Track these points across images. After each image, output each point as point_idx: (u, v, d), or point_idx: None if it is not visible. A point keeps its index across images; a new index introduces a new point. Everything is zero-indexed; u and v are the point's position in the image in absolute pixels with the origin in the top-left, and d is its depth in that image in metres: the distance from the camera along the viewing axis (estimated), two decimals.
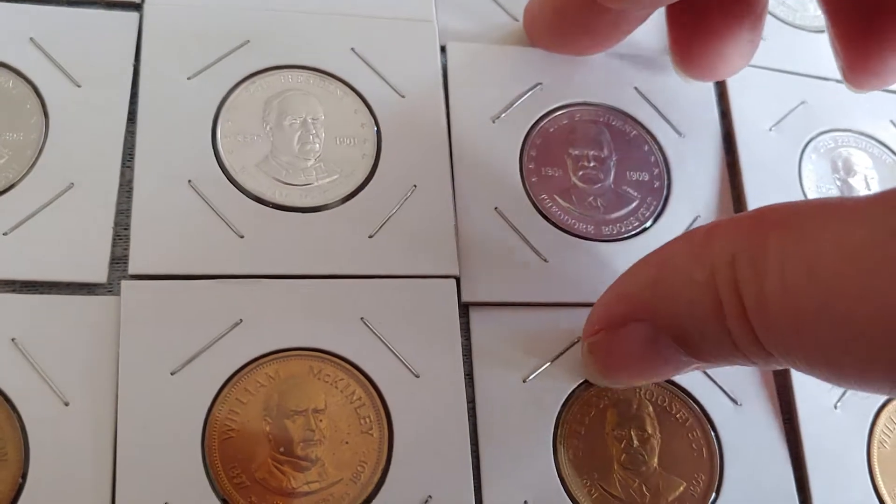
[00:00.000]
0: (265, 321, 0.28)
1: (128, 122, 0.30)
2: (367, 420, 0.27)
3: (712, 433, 0.30)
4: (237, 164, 0.30)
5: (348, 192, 0.30)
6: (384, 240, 0.29)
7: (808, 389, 0.31)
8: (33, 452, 0.25)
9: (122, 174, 0.29)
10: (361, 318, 0.28)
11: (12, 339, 0.26)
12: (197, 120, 0.30)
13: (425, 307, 0.28)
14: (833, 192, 0.35)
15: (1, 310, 0.27)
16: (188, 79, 0.31)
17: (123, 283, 0.27)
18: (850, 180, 0.35)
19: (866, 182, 0.35)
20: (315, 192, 0.30)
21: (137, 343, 0.27)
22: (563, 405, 0.29)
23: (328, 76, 0.32)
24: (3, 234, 0.27)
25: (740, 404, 0.30)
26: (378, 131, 0.31)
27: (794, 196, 0.34)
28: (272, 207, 0.29)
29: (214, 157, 0.30)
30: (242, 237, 0.28)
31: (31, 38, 0.30)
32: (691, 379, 0.30)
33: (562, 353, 0.29)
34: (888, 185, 0.34)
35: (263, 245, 0.28)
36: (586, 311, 0.27)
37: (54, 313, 0.27)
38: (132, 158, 0.29)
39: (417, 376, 0.27)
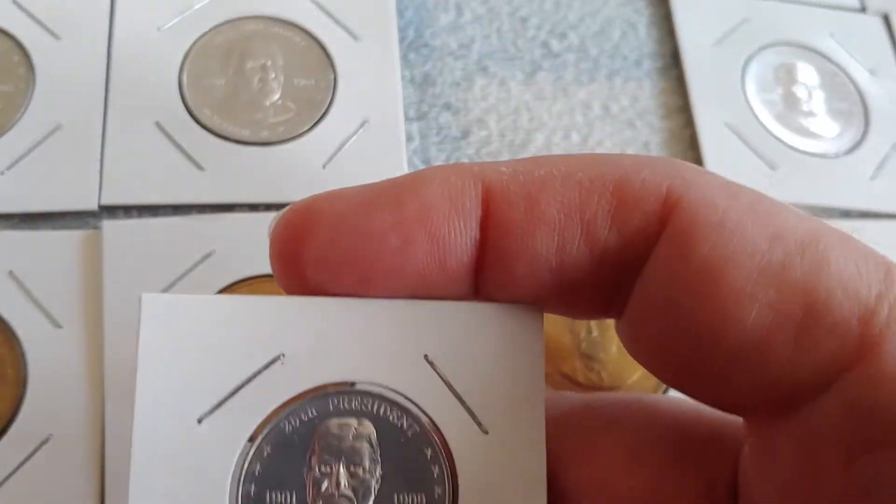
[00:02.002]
0: (235, 252, 0.30)
1: (107, 68, 0.32)
2: None
3: None
4: (201, 105, 0.32)
5: (304, 129, 0.32)
6: (336, 169, 0.32)
7: None
8: (31, 371, 0.29)
9: (105, 113, 0.32)
10: None
11: (10, 271, 0.30)
12: (166, 66, 0.32)
13: None
14: (776, 100, 0.36)
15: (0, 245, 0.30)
16: (158, 29, 0.33)
17: (105, 221, 0.30)
18: (793, 89, 0.37)
19: (808, 92, 0.37)
20: (272, 128, 0.32)
21: (120, 274, 0.30)
22: None
23: (287, 23, 0.34)
24: (0, 174, 0.31)
25: None
26: (335, 76, 0.33)
27: (738, 104, 0.35)
28: (233, 143, 0.32)
29: (181, 100, 0.32)
30: (203, 170, 0.31)
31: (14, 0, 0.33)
32: None
33: None
34: (831, 93, 0.35)
35: (223, 176, 0.31)
36: None
37: (47, 247, 0.30)
38: None
39: None
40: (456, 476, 0.18)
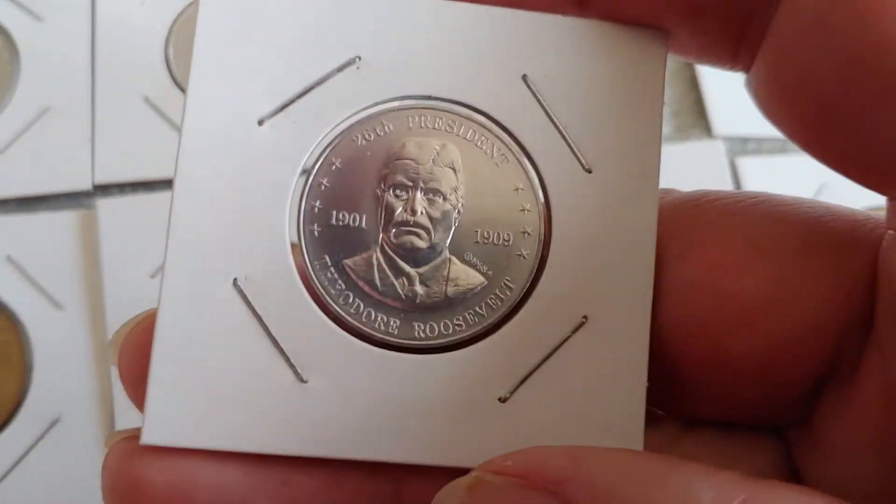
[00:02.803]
0: None
1: (92, 47, 0.32)
2: None
3: None
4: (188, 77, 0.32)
5: None
6: None
7: None
8: (36, 353, 0.29)
9: (93, 92, 0.32)
10: None
11: (8, 256, 0.29)
12: (151, 41, 0.32)
13: None
14: None
15: None
16: (141, 3, 0.33)
17: (99, 200, 0.30)
18: None
19: None
20: None
21: (118, 252, 0.30)
22: None
23: None
24: None
25: None
26: None
27: None
28: None
29: (168, 74, 0.32)
30: None
31: None
32: None
33: None
34: None
35: None
36: None
37: (44, 229, 0.30)
38: None
39: None
40: (550, 218, 0.15)
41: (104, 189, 0.31)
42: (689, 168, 0.34)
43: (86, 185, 0.30)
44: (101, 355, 0.29)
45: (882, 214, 0.15)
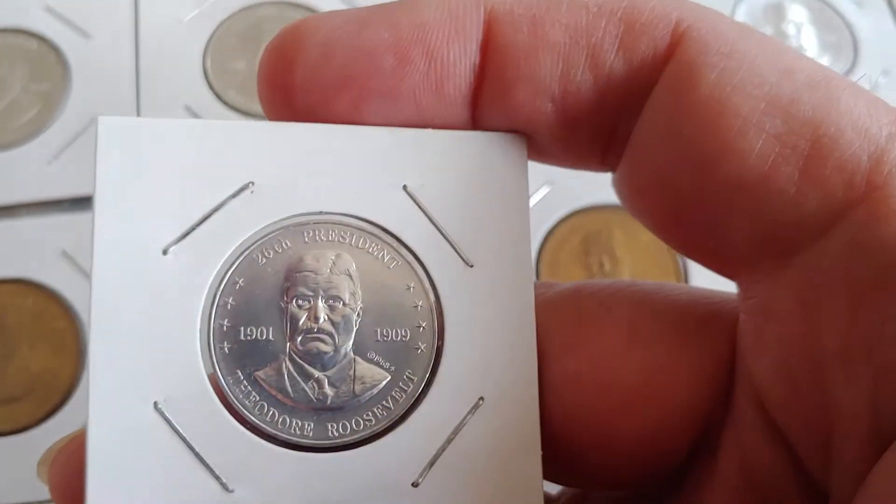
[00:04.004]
0: None
1: (136, 61, 0.35)
2: None
3: None
4: (226, 87, 0.35)
5: None
6: None
7: None
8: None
9: (138, 102, 0.35)
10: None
11: (63, 251, 0.32)
12: (190, 55, 0.35)
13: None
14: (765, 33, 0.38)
15: (52, 228, 0.33)
16: (180, 22, 0.36)
17: None
18: (782, 27, 0.38)
19: (797, 28, 0.38)
20: None
21: None
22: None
23: (298, 6, 0.37)
24: (48, 165, 0.33)
25: None
26: None
27: None
28: (259, 119, 0.34)
29: (206, 84, 0.35)
30: None
31: (47, 6, 0.36)
32: None
33: None
34: (820, 28, 0.37)
35: None
36: None
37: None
38: None
39: None
40: (442, 311, 0.16)
41: None
42: None
43: None
44: None
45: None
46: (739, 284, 0.16)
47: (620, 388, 0.16)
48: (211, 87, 0.35)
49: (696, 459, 0.16)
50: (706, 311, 0.17)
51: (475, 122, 0.16)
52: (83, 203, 0.33)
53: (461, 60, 0.15)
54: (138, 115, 0.34)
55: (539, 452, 0.16)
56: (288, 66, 0.15)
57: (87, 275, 0.32)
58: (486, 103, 0.16)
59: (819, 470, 0.15)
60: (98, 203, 0.15)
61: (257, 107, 0.35)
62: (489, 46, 0.15)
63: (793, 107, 0.14)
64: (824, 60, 0.38)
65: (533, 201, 0.17)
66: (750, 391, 0.15)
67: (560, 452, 0.16)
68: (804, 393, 0.14)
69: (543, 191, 0.34)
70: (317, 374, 0.16)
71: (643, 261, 0.33)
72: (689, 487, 0.17)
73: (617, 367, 0.16)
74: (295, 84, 0.15)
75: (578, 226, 0.33)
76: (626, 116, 0.16)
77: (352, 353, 0.16)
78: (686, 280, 0.33)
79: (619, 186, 0.17)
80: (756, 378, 0.15)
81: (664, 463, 0.16)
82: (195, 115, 0.34)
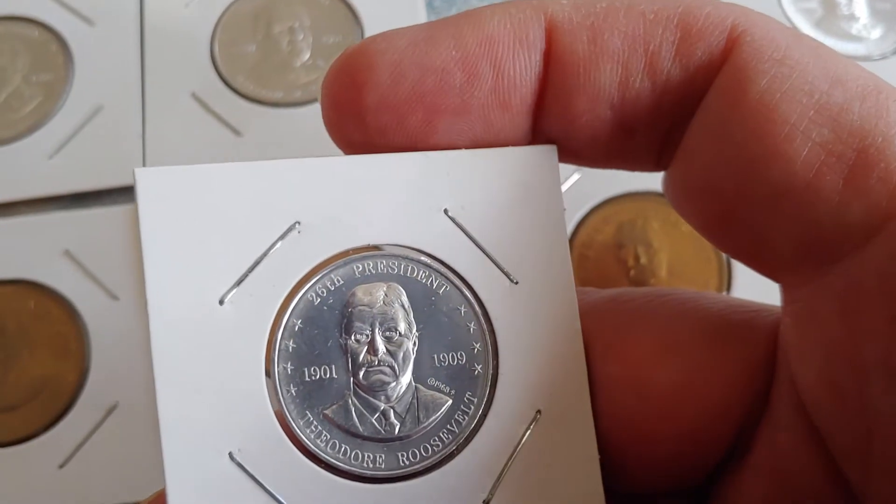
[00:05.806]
0: None
1: (141, 47, 0.33)
2: None
3: None
4: (235, 73, 0.33)
5: None
6: None
7: None
8: (93, 343, 0.30)
9: (143, 90, 0.33)
10: None
11: (66, 250, 0.30)
12: (197, 40, 0.33)
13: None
14: (813, 7, 0.35)
15: (54, 226, 0.31)
16: (186, 5, 0.34)
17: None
18: None
19: None
20: (305, 88, 0.33)
21: None
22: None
23: None
24: (49, 159, 0.32)
25: None
26: (362, 30, 0.34)
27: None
28: (268, 106, 0.32)
29: (214, 70, 0.33)
30: (241, 135, 0.32)
31: None
32: None
33: None
34: None
35: (260, 140, 0.32)
36: None
37: (98, 223, 0.31)
38: None
39: None
40: (494, 330, 0.17)
41: None
42: None
43: None
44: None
45: (777, 307, 0.17)
46: (783, 288, 0.16)
47: (657, 393, 0.16)
48: (219, 72, 0.33)
49: (730, 461, 0.17)
50: (742, 319, 0.17)
51: (535, 131, 0.17)
52: (86, 199, 0.32)
53: (526, 72, 0.16)
54: (143, 104, 0.32)
55: (597, 458, 0.16)
56: (359, 89, 0.16)
57: (90, 275, 0.30)
58: (547, 112, 0.16)
59: (857, 474, 0.15)
60: (147, 257, 0.15)
61: (266, 92, 0.33)
62: (551, 56, 0.16)
63: (841, 116, 0.14)
64: (876, 31, 0.35)
65: (562, 189, 0.16)
66: (790, 394, 0.16)
67: (604, 456, 0.17)
68: (846, 398, 0.14)
69: (573, 178, 0.32)
70: (382, 405, 0.16)
71: (684, 253, 0.31)
72: (721, 488, 0.17)
73: (654, 372, 0.16)
74: (367, 106, 0.16)
75: (611, 215, 0.31)
76: (681, 120, 0.16)
77: (413, 382, 0.16)
78: (729, 274, 0.31)
79: (669, 187, 0.17)
80: (799, 381, 0.15)
81: (699, 466, 0.17)
82: (202, 103, 0.33)
